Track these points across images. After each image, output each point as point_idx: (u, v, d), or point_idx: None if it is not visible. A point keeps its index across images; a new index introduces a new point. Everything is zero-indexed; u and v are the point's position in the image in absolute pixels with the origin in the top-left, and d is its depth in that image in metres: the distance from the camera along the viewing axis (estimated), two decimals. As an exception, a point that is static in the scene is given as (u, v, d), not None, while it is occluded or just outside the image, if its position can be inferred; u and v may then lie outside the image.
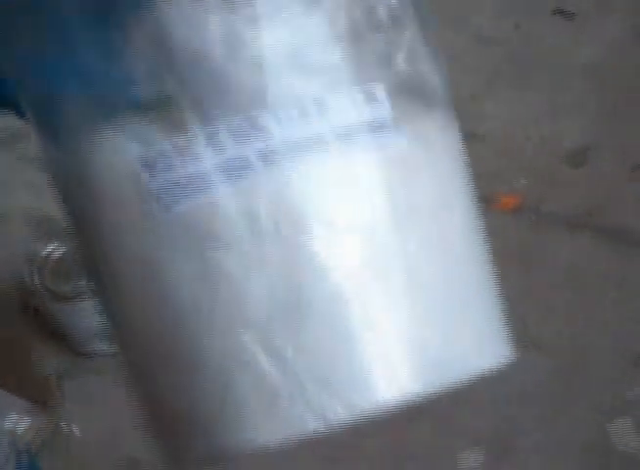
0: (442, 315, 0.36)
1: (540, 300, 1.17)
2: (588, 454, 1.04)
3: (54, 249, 1.04)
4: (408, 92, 0.36)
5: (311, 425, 0.34)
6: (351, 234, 0.34)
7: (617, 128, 1.30)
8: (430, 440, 1.07)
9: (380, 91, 0.35)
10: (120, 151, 0.34)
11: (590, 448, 1.05)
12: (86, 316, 1.01)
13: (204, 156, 0.33)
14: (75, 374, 1.07)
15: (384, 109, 0.35)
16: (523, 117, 1.33)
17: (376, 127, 0.35)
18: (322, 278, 0.34)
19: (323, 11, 0.35)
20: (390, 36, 0.36)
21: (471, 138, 0.45)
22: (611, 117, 1.31)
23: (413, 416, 1.07)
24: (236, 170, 0.34)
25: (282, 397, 0.34)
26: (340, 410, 0.34)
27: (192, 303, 0.34)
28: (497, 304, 0.39)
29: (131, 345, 0.38)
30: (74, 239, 0.39)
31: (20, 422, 0.98)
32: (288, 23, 0.34)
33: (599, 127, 1.32)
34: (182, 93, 0.34)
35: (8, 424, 0.96)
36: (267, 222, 0.34)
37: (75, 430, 1.03)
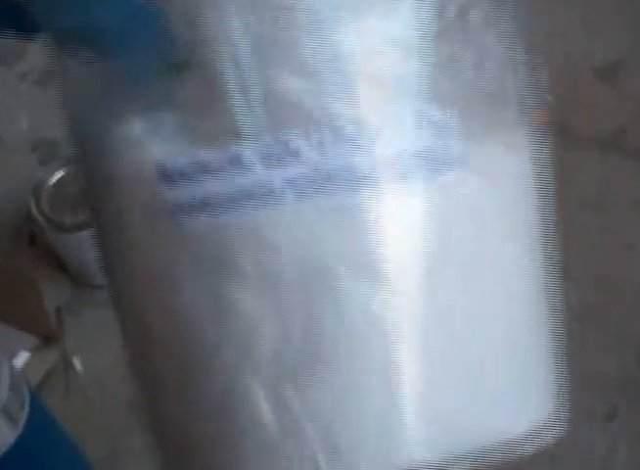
0: (481, 377, 0.32)
1: (562, 224, 1.12)
2: (621, 386, 1.00)
3: (56, 176, 1.01)
4: (480, 112, 0.31)
5: None
6: (385, 282, 0.30)
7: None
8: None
9: (446, 111, 0.30)
10: (141, 148, 0.31)
11: (623, 380, 1.01)
12: (88, 247, 0.98)
13: (228, 175, 0.30)
14: (76, 307, 1.04)
15: (449, 135, 0.30)
16: (551, 31, 1.26)
17: (435, 158, 0.30)
18: (347, 329, 0.30)
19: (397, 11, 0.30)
20: (474, 40, 0.31)
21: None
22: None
23: None
24: (261, 197, 0.29)
25: (281, 451, 0.31)
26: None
27: (198, 331, 0.31)
28: (555, 365, 0.35)
29: (134, 361, 0.36)
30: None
31: (28, 359, 0.97)
32: (343, 24, 0.29)
33: (630, 43, 1.26)
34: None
35: (18, 362, 0.95)
36: (290, 259, 0.30)
37: (77, 364, 1.00)
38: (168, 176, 0.30)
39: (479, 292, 0.32)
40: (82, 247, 0.98)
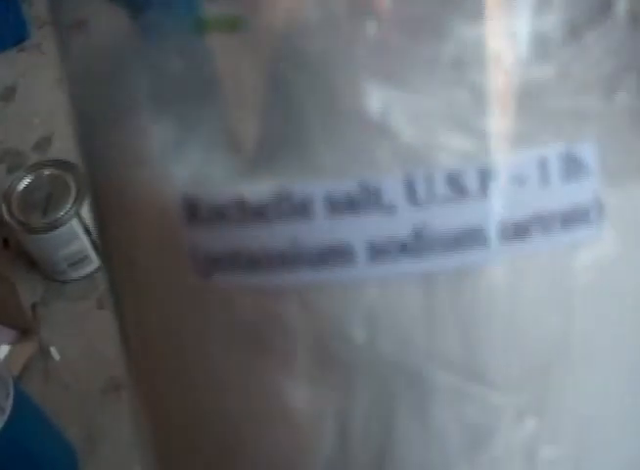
0: None
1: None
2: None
3: (24, 183, 1.09)
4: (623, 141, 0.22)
5: None
6: (509, 394, 0.21)
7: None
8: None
9: (588, 153, 0.20)
10: (164, 170, 0.21)
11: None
12: (58, 246, 1.05)
13: (278, 225, 0.20)
14: (49, 300, 1.11)
15: (589, 184, 0.21)
16: None
17: (572, 215, 0.21)
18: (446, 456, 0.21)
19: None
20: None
21: None
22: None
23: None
24: (324, 258, 0.20)
25: None
26: None
27: (223, 420, 0.23)
28: None
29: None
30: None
31: (8, 351, 1.02)
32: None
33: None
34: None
35: (0, 355, 1.01)
36: (365, 347, 0.21)
37: (54, 353, 1.07)
38: (200, 215, 0.21)
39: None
40: (52, 246, 1.05)
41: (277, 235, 0.20)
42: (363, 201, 0.20)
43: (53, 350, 1.07)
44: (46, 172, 1.08)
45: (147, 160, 0.22)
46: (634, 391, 0.23)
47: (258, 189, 0.20)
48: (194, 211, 0.21)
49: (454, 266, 0.20)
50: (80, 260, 1.09)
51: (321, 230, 0.20)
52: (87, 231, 1.07)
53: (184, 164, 0.21)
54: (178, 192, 0.21)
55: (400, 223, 0.20)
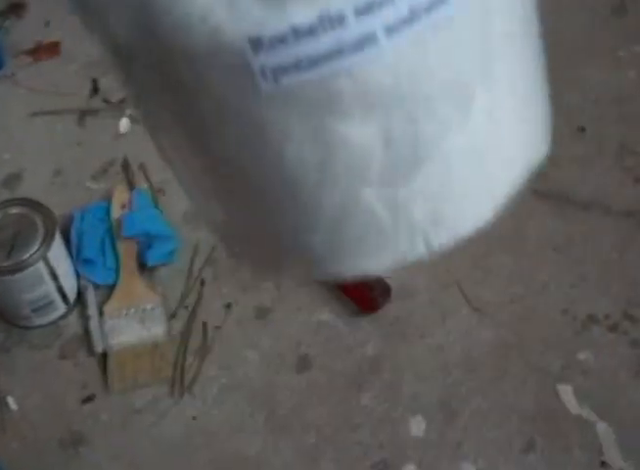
0: (531, 110, 0.39)
1: (479, 264, 1.17)
2: (537, 419, 1.05)
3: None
4: None
5: (417, 250, 0.37)
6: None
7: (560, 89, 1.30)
8: (374, 408, 1.06)
9: None
10: (229, 20, 0.31)
11: (539, 413, 1.05)
12: (23, 290, 1.00)
13: (324, 33, 0.30)
14: (10, 346, 1.05)
15: None
16: None
17: None
18: (440, 133, 0.34)
19: None
20: None
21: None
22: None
23: (359, 383, 1.08)
24: (360, 45, 0.31)
25: (390, 228, 0.36)
26: (443, 235, 0.38)
27: (305, 163, 0.34)
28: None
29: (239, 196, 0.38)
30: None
31: None
32: None
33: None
34: None
35: None
36: (394, 91, 0.32)
37: (11, 403, 1.01)
38: (264, 45, 0.30)
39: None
40: (16, 289, 1.00)
41: (322, 41, 0.30)
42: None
43: (10, 399, 1.01)
44: (13, 211, 1.03)
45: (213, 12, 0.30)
46: None
47: (299, 15, 0.30)
48: (255, 39, 0.30)
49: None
50: (45, 306, 1.03)
51: (351, 30, 0.30)
52: (54, 276, 1.01)
53: (243, 11, 0.30)
54: (245, 34, 0.30)
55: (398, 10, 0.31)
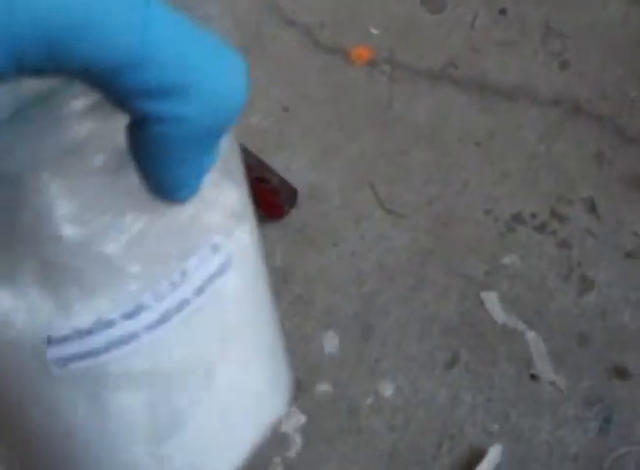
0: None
1: (394, 162, 1.07)
2: (461, 330, 0.96)
3: None
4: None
5: None
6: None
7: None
8: (284, 324, 0.96)
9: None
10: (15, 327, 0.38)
11: (463, 323, 0.96)
12: None
13: (99, 332, 0.37)
14: None
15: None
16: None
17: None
18: (195, 402, 0.40)
19: None
20: None
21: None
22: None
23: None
24: (122, 341, 0.38)
25: None
26: None
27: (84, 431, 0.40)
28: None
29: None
30: None
31: None
32: None
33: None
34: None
35: None
36: (150, 376, 0.39)
37: None
38: (53, 342, 0.37)
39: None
40: None
41: (99, 337, 0.37)
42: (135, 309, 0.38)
43: None
44: None
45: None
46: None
47: (85, 320, 0.37)
48: (50, 340, 0.37)
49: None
50: None
51: (119, 329, 0.37)
52: None
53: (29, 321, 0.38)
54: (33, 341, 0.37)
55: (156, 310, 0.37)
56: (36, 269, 0.37)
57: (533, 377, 0.93)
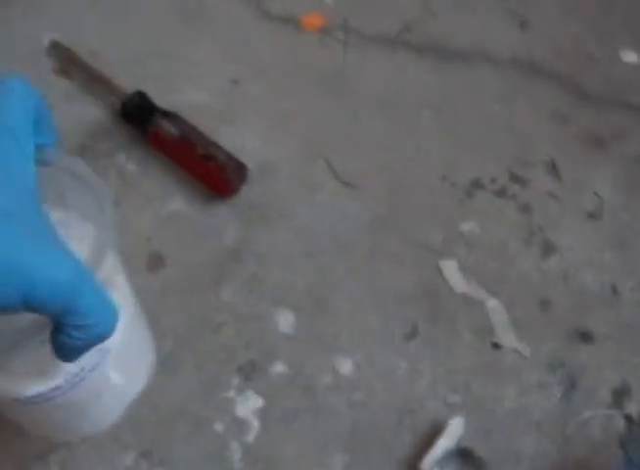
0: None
1: (346, 131, 1.04)
2: (419, 301, 0.93)
3: None
4: None
5: None
6: None
7: None
8: (237, 304, 0.93)
9: None
10: None
11: (421, 294, 0.93)
12: None
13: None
14: None
15: None
16: None
17: None
18: None
19: None
20: None
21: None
22: None
23: (219, 278, 0.95)
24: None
25: None
26: None
27: None
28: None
29: None
30: None
31: None
32: None
33: None
34: None
35: None
36: None
37: None
38: None
39: None
40: None
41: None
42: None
43: None
44: None
45: None
46: None
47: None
48: None
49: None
50: None
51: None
52: None
53: None
54: None
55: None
56: None
57: (495, 346, 0.90)
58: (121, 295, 0.70)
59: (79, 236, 0.58)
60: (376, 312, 0.93)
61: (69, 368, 0.63)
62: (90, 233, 0.58)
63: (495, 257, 0.96)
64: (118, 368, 0.71)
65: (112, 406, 0.77)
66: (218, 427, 0.87)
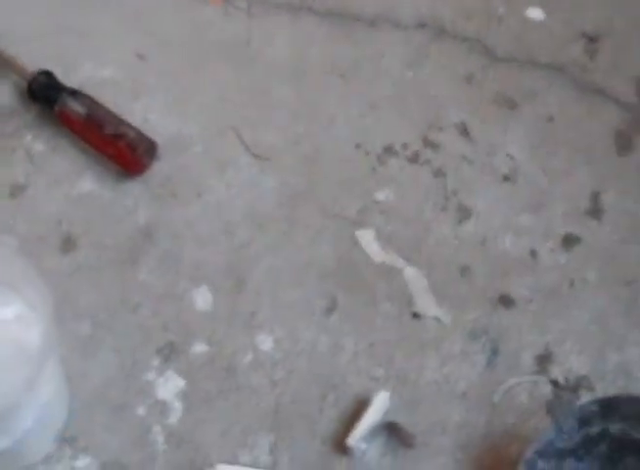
0: None
1: (257, 102, 1.02)
2: (337, 273, 0.92)
3: None
4: None
5: None
6: None
7: None
8: (153, 283, 0.92)
9: None
10: None
11: (339, 266, 0.92)
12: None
13: None
14: None
15: None
16: None
17: None
18: None
19: None
20: None
21: None
22: None
23: (133, 257, 0.93)
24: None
25: None
26: None
27: None
28: None
29: None
30: None
31: None
32: None
33: None
34: None
35: None
36: None
37: None
38: None
39: None
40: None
41: None
42: None
43: None
44: None
45: None
46: None
47: None
48: None
49: None
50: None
51: None
52: None
53: None
54: None
55: None
56: None
57: (415, 315, 0.90)
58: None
59: None
60: (295, 287, 0.92)
61: None
62: None
63: (412, 224, 0.95)
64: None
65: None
66: (140, 411, 0.86)
